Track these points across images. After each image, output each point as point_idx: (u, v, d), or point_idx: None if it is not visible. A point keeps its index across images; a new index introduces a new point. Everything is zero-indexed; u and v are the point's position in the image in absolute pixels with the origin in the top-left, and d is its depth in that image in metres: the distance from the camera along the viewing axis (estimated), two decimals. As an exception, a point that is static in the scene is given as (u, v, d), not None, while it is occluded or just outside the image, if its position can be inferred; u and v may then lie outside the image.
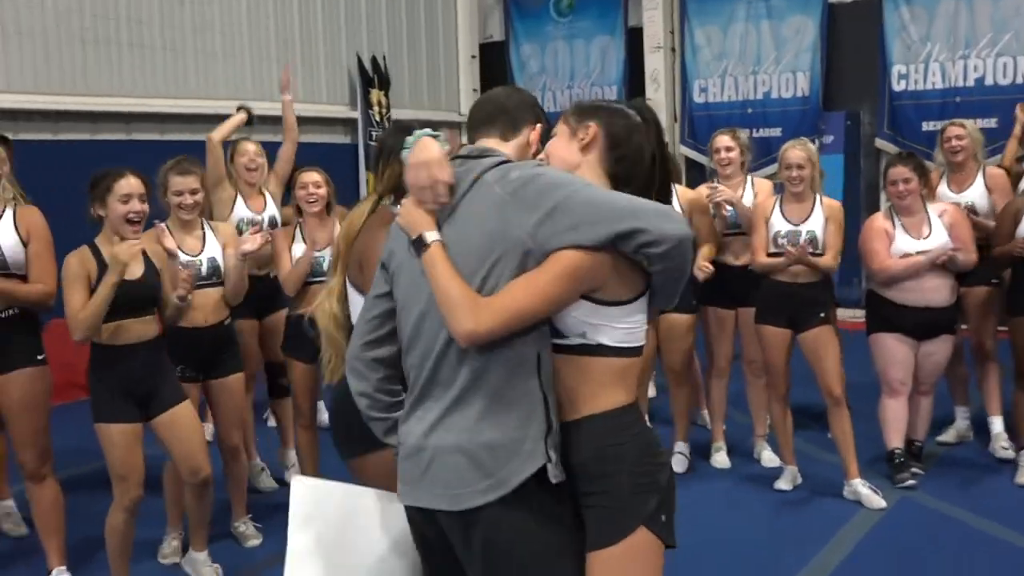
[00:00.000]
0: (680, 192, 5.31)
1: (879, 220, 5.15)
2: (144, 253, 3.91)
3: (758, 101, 10.28)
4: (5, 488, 4.84)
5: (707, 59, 10.51)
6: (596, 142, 2.28)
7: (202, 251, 4.38)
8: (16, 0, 7.63)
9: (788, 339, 5.05)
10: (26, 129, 7.76)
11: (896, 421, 5.14)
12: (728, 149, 5.46)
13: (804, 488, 5.14)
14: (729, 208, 5.35)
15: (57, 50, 7.93)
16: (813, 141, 9.44)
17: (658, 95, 10.62)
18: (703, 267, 5.09)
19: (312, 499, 2.47)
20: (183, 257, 4.18)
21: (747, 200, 5.36)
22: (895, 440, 5.14)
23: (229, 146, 5.56)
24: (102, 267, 3.71)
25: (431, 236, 2.16)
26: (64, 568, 4.12)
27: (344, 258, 2.90)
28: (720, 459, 5.59)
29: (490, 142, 2.32)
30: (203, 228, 4.45)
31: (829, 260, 4.97)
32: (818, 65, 9.95)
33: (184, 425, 3.94)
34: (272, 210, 5.49)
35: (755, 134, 9.97)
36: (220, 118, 8.60)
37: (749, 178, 5.55)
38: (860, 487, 4.91)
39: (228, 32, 9.26)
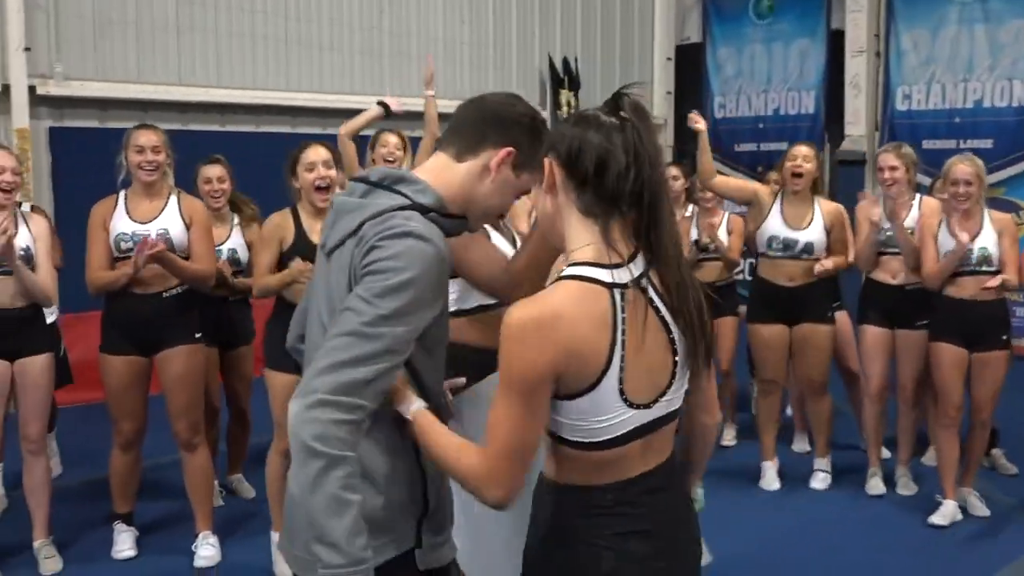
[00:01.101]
0: (822, 204, 5.18)
1: None
2: None
3: (967, 110, 9.58)
4: None
5: (913, 65, 9.89)
6: (556, 180, 1.83)
7: None
8: (229, 4, 8.20)
9: (964, 360, 4.77)
10: (233, 121, 8.33)
11: None
12: (892, 169, 5.04)
13: (965, 524, 4.82)
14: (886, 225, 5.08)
15: (263, 51, 8.45)
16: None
17: (858, 101, 10.15)
18: (821, 266, 5.05)
19: None
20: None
21: (911, 222, 5.04)
22: None
23: (371, 137, 5.48)
24: (299, 230, 4.13)
25: (411, 408, 1.91)
26: (210, 532, 4.39)
27: None
28: (874, 485, 5.29)
29: (439, 160, 2.02)
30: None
31: (1012, 277, 4.66)
32: (1039, 72, 9.19)
33: None
34: None
35: (962, 145, 9.36)
36: (416, 116, 9.00)
37: (917, 197, 5.15)
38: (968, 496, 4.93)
39: (424, 36, 9.55)
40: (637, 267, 1.81)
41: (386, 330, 1.77)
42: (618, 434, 1.81)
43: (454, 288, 2.88)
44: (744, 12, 11.15)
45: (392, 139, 5.28)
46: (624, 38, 11.50)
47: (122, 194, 4.34)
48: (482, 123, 2.00)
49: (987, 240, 4.68)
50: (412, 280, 1.80)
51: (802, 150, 5.16)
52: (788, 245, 5.10)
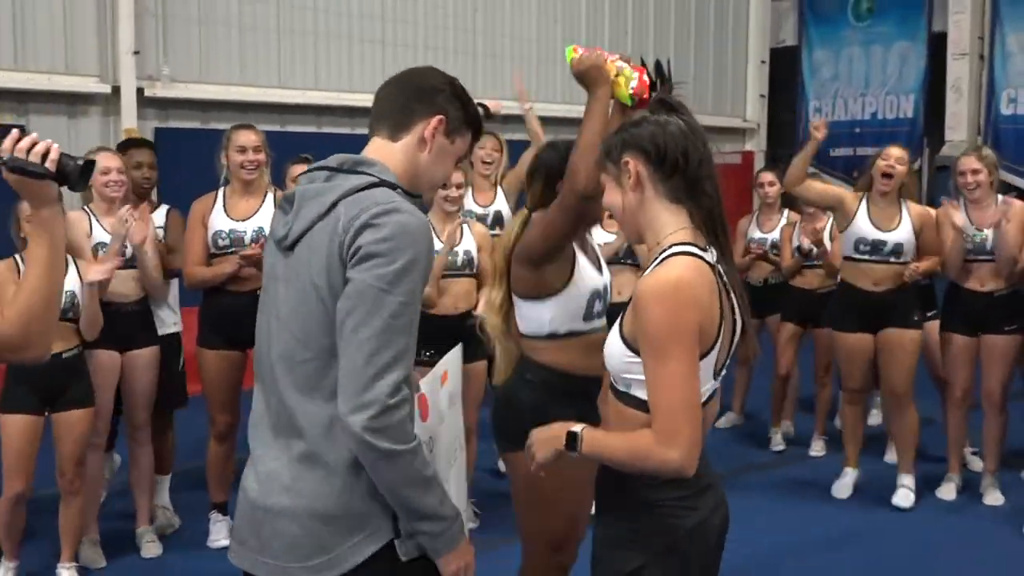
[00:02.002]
0: (910, 206, 5.01)
1: None
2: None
3: (1078, 114, 9.31)
4: None
5: (1019, 67, 9.67)
6: (641, 175, 2.04)
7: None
8: (327, 7, 8.39)
9: None
10: (329, 123, 8.50)
11: None
12: (974, 172, 4.91)
13: None
14: (979, 231, 4.93)
15: (359, 53, 8.62)
16: None
17: (959, 105, 9.97)
18: (914, 269, 4.89)
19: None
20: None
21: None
22: None
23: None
24: None
25: (577, 429, 2.03)
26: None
27: (504, 272, 2.94)
28: (947, 490, 5.25)
29: (377, 143, 2.03)
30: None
31: None
32: None
33: None
34: (500, 205, 5.44)
35: (1071, 150, 9.07)
36: (508, 118, 9.07)
37: (999, 198, 4.98)
38: None
39: (517, 36, 9.64)
40: (713, 254, 2.03)
41: (409, 314, 1.82)
42: (705, 399, 2.01)
43: (545, 312, 2.87)
44: (842, 14, 11.06)
45: (490, 141, 5.37)
46: (718, 41, 11.45)
47: (221, 192, 4.46)
48: (407, 99, 2.02)
49: None
50: (416, 258, 1.83)
51: (895, 152, 5.02)
52: (877, 247, 4.95)
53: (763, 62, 11.76)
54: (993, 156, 5.03)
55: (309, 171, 2.02)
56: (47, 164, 1.90)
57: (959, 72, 9.99)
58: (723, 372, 2.07)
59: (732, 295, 2.06)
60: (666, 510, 2.02)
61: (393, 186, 1.93)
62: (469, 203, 5.28)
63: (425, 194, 2.08)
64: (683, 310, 1.90)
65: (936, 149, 10.11)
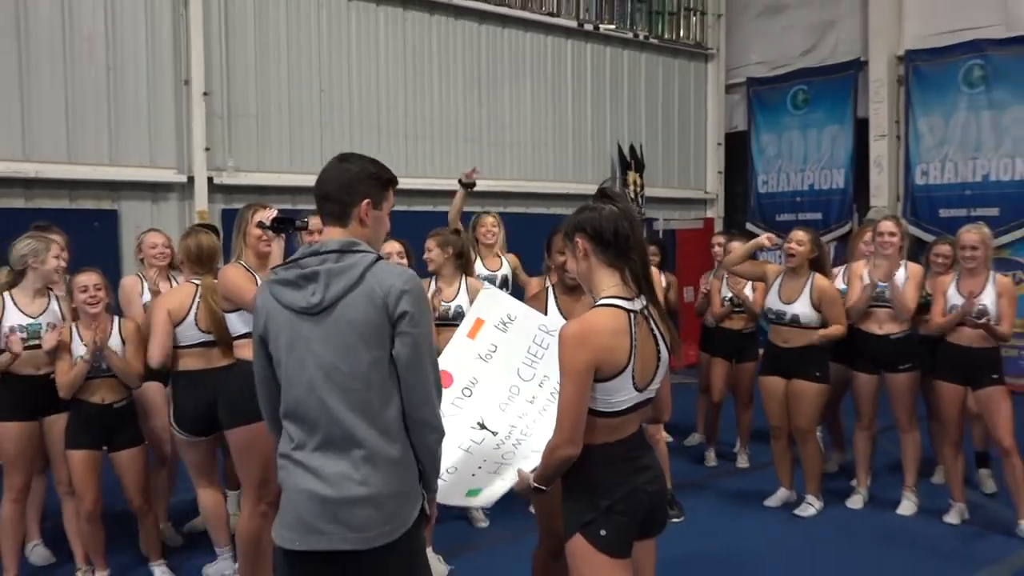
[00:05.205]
0: (816, 281, 5.42)
1: None
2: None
3: (976, 183, 10.24)
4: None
5: (929, 146, 10.55)
6: (588, 250, 2.60)
7: (454, 299, 5.08)
8: (361, 105, 9.55)
9: (962, 395, 5.31)
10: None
11: None
12: (891, 234, 5.51)
13: (971, 524, 5.47)
14: (882, 283, 5.55)
15: (387, 144, 9.69)
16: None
17: (881, 177, 10.87)
18: (819, 335, 5.38)
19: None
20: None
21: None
22: None
23: (471, 218, 6.34)
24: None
25: (534, 485, 2.70)
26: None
27: None
28: (855, 501, 5.83)
29: (335, 232, 2.45)
30: (461, 282, 5.14)
31: (1004, 329, 5.15)
32: (1039, 150, 9.84)
33: None
34: (506, 270, 5.96)
35: (972, 213, 9.96)
36: (509, 195, 10.14)
37: (903, 262, 5.60)
38: None
39: (515, 126, 10.72)
40: (641, 302, 2.65)
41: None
42: (627, 407, 2.61)
43: None
44: (783, 104, 12.08)
45: (488, 220, 6.06)
46: (681, 127, 12.44)
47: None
48: (337, 196, 2.47)
49: (987, 298, 5.13)
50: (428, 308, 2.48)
51: (797, 235, 5.51)
52: (779, 316, 5.49)
53: (719, 144, 12.75)
54: (907, 227, 5.62)
55: (311, 255, 2.41)
56: (265, 222, 3.81)
57: (879, 150, 10.87)
58: (651, 385, 2.63)
59: (657, 330, 2.61)
60: (609, 481, 2.60)
61: (379, 257, 2.44)
62: (480, 269, 5.81)
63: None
64: (578, 352, 2.46)
65: (863, 214, 10.94)
